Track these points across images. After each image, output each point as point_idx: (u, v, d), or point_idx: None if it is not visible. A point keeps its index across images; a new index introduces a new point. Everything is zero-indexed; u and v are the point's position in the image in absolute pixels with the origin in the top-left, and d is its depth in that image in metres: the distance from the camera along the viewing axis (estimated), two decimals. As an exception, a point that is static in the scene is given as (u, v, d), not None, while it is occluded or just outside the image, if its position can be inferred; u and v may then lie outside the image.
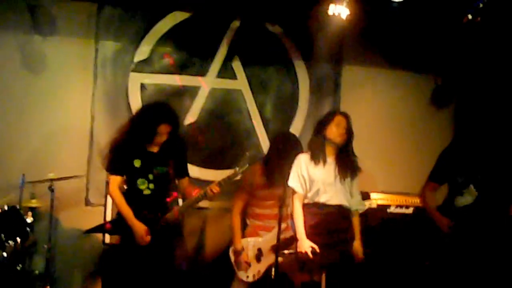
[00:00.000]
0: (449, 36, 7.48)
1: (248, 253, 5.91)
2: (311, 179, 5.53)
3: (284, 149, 5.89)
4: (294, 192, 5.60)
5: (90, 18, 7.01)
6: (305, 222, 5.49)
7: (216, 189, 5.44)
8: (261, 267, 5.89)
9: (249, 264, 5.90)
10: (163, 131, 5.43)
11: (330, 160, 5.55)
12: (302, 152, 5.79)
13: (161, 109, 5.59)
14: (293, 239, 5.67)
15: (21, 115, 6.83)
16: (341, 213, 5.53)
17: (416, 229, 6.88)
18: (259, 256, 5.90)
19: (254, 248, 5.93)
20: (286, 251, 5.69)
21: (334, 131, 5.51)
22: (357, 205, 5.63)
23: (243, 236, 6.03)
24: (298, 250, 5.43)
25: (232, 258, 5.97)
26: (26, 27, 6.83)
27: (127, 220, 5.35)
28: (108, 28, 7.05)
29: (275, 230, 5.57)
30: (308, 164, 5.58)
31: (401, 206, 6.96)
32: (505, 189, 5.51)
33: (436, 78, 7.87)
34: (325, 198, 5.50)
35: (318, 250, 5.35)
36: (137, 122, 5.56)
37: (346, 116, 5.63)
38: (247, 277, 5.90)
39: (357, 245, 5.59)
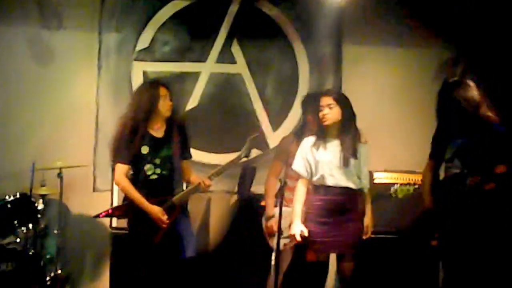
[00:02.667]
0: (451, 11, 7.66)
1: (282, 221, 5.75)
2: (316, 161, 5.65)
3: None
4: (298, 174, 5.72)
5: (94, 11, 7.44)
6: (312, 205, 5.64)
7: (208, 182, 5.68)
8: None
9: (281, 232, 5.84)
10: (164, 93, 5.67)
11: (335, 142, 5.63)
12: None
13: (153, 79, 6.30)
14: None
15: (30, 105, 7.31)
16: (348, 195, 5.59)
17: (420, 207, 7.16)
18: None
19: (288, 218, 5.85)
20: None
21: (321, 114, 5.59)
22: (363, 185, 5.69)
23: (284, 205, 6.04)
24: (290, 232, 5.60)
25: (264, 224, 6.22)
26: (34, 22, 7.31)
27: (141, 205, 5.57)
28: (111, 19, 7.46)
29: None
30: (313, 147, 5.68)
31: (405, 184, 7.06)
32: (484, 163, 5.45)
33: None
34: (331, 181, 5.59)
35: (306, 234, 5.52)
36: (137, 96, 5.80)
37: (332, 94, 5.68)
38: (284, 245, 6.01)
39: (367, 220, 5.70)
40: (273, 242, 5.97)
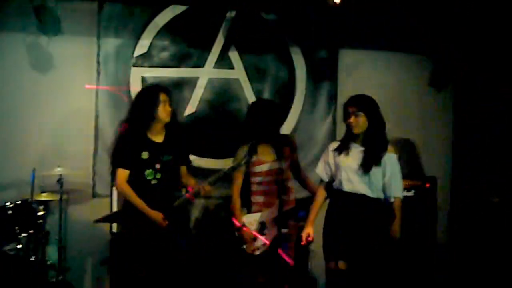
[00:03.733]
0: (444, 16, 7.85)
1: (251, 228, 6.17)
2: (337, 166, 5.78)
3: (261, 117, 6.23)
4: (320, 178, 5.95)
5: (92, 17, 7.48)
6: (330, 209, 5.83)
7: (207, 188, 5.84)
8: (266, 240, 6.18)
9: (254, 239, 6.17)
10: (164, 98, 5.81)
11: (359, 148, 5.73)
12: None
13: (154, 84, 6.42)
14: (294, 212, 6.15)
15: (30, 112, 7.35)
16: (364, 202, 5.68)
17: (419, 212, 7.32)
18: (262, 229, 6.19)
19: (257, 223, 6.20)
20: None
21: (349, 121, 5.72)
22: (388, 194, 5.77)
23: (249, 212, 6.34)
24: (302, 233, 5.83)
25: (237, 234, 6.31)
26: (32, 29, 7.32)
27: (142, 210, 5.73)
28: (109, 25, 7.51)
29: (277, 203, 6.03)
30: (335, 151, 5.82)
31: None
32: None
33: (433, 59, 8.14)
34: (347, 186, 5.72)
35: (311, 238, 5.73)
36: (138, 100, 5.97)
37: (356, 103, 5.75)
38: (253, 250, 6.19)
39: (394, 226, 5.75)
40: (249, 249, 6.19)
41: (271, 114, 6.29)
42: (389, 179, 5.71)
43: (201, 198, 7.02)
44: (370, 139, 5.69)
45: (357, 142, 5.73)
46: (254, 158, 6.19)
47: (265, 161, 6.24)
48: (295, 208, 6.22)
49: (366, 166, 5.64)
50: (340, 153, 5.74)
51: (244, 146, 6.20)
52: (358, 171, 5.64)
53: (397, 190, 5.77)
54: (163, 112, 5.81)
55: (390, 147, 5.78)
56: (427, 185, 7.51)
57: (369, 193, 5.65)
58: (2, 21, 7.32)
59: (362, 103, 5.73)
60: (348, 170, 5.67)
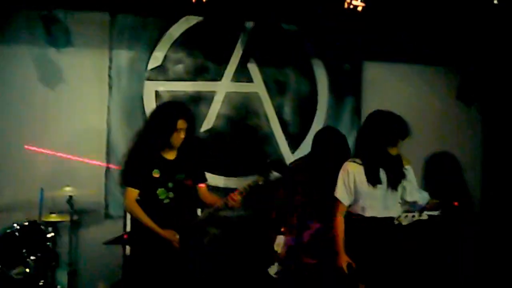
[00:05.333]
0: (472, 27, 7.70)
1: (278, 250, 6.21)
2: (358, 191, 5.60)
3: (329, 146, 6.18)
4: (338, 202, 5.66)
5: (103, 28, 7.41)
6: (348, 235, 5.62)
7: (237, 197, 5.69)
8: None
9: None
10: (181, 126, 5.66)
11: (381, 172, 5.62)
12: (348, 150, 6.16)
13: (176, 105, 5.98)
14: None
15: (38, 129, 7.24)
16: (390, 225, 5.61)
17: (446, 232, 7.24)
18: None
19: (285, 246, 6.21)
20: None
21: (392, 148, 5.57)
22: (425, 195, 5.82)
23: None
24: (338, 264, 5.59)
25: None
26: (40, 41, 7.26)
27: (153, 230, 5.60)
28: (121, 36, 7.43)
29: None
30: (357, 175, 5.59)
31: (428, 209, 6.80)
32: None
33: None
34: (371, 212, 5.57)
35: (354, 265, 5.52)
36: (153, 121, 5.81)
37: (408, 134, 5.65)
38: (275, 274, 6.22)
39: None
40: (271, 272, 6.19)
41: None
42: (412, 190, 5.69)
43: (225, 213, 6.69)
44: (395, 160, 5.56)
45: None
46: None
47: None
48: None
49: (392, 189, 5.53)
50: (363, 178, 5.54)
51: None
52: (383, 195, 5.51)
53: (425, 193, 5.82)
54: (176, 139, 5.69)
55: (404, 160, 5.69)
56: (456, 203, 7.34)
57: (395, 215, 5.58)
58: (9, 33, 7.25)
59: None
60: (372, 197, 5.52)
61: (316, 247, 6.07)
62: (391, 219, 5.56)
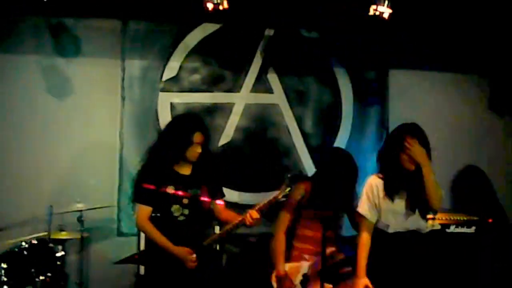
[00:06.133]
0: (504, 33, 7.56)
1: (292, 279, 5.87)
2: (381, 207, 5.38)
3: (335, 165, 5.94)
4: (362, 219, 5.44)
5: (115, 36, 7.27)
6: (373, 253, 5.39)
7: (255, 215, 5.48)
8: None
9: None
10: (198, 140, 5.52)
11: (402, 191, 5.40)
12: (355, 169, 5.90)
13: (192, 118, 5.82)
14: (344, 263, 5.71)
15: (47, 141, 7.12)
16: (415, 239, 5.37)
17: (482, 250, 6.87)
18: (304, 282, 5.85)
19: (299, 274, 5.89)
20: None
21: (405, 159, 5.26)
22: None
23: (288, 260, 5.99)
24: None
25: (275, 285, 5.95)
26: (48, 50, 7.14)
27: (167, 249, 5.43)
28: (134, 45, 7.31)
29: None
30: (380, 191, 5.38)
31: (461, 225, 6.76)
32: None
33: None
34: (395, 228, 5.35)
35: None
36: (168, 135, 5.67)
37: (417, 134, 5.32)
38: None
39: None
40: None
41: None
42: None
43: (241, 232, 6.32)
44: (417, 180, 5.22)
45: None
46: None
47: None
48: (344, 261, 5.80)
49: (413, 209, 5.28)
50: (389, 196, 5.29)
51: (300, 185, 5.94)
52: (406, 213, 5.27)
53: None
54: (191, 153, 5.54)
55: None
56: (490, 220, 7.09)
57: (422, 227, 5.33)
58: (15, 42, 7.13)
59: (422, 134, 5.31)
60: (395, 214, 5.28)
61: (333, 271, 5.79)
62: (415, 233, 5.29)
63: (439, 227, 6.69)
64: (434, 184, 5.15)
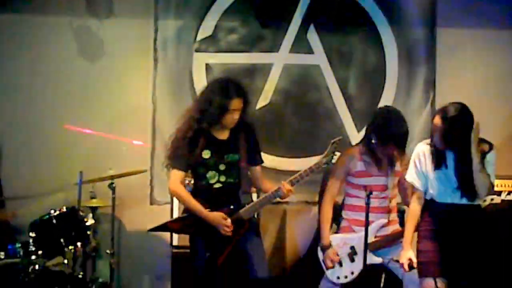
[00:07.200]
0: None
1: (339, 251, 5.71)
2: (429, 175, 5.19)
3: (388, 127, 5.64)
4: (411, 187, 5.32)
5: None
6: (426, 221, 5.22)
7: (288, 186, 5.34)
8: (355, 268, 5.67)
9: (340, 264, 5.71)
10: (235, 107, 5.34)
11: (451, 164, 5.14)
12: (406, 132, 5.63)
13: (231, 82, 5.56)
14: (397, 236, 5.54)
15: (78, 106, 7.10)
16: (462, 212, 5.12)
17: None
18: (352, 255, 5.69)
19: (347, 246, 5.72)
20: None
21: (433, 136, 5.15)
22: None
23: (336, 231, 5.88)
24: (400, 260, 5.22)
25: (320, 256, 5.81)
26: (80, 11, 7.07)
27: (200, 214, 5.32)
28: (168, 4, 7.21)
29: (375, 224, 5.59)
30: (428, 158, 5.19)
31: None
32: None
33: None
34: (443, 199, 5.13)
35: (415, 266, 5.12)
36: (204, 101, 5.48)
37: (442, 115, 5.00)
38: (338, 278, 5.71)
39: None
40: (331, 276, 5.75)
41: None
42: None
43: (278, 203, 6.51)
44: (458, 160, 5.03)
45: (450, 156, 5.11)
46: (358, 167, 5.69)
47: (373, 174, 5.70)
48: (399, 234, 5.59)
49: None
50: (436, 164, 5.08)
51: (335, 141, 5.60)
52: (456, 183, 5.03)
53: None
54: (229, 119, 5.36)
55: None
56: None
57: (466, 202, 5.05)
58: (46, 4, 7.05)
59: (447, 117, 5.00)
60: (442, 185, 5.06)
61: (381, 243, 5.66)
62: (466, 205, 5.04)
63: (499, 200, 6.47)
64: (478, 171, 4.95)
